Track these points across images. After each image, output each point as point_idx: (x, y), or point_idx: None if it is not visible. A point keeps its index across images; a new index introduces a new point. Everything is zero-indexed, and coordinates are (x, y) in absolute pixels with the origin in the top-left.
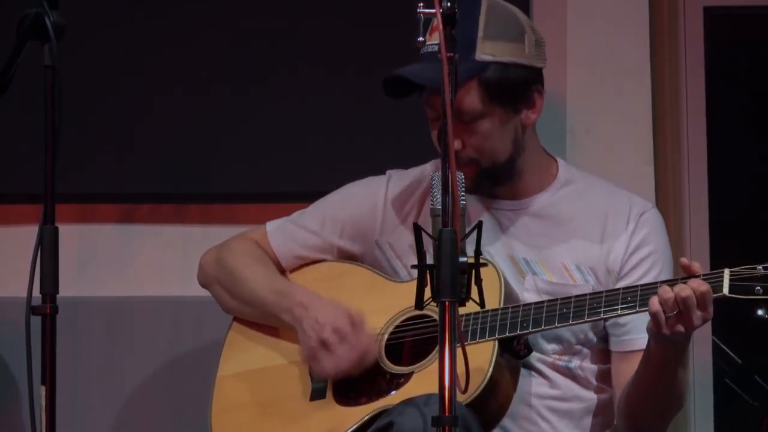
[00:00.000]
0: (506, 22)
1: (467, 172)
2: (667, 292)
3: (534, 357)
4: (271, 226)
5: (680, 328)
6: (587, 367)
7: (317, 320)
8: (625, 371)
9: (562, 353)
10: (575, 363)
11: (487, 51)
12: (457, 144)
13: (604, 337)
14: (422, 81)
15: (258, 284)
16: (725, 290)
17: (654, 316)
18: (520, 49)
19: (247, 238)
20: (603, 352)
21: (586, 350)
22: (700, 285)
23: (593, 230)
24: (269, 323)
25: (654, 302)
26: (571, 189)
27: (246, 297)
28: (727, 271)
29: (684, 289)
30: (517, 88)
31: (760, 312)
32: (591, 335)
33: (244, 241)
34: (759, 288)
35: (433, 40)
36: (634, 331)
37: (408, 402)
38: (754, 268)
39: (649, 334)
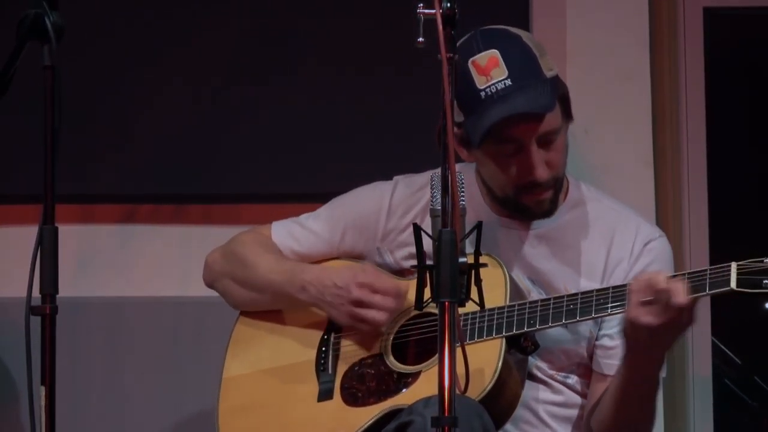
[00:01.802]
0: (534, 39)
1: (546, 198)
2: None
3: (533, 367)
4: (277, 225)
5: (650, 319)
6: (584, 381)
7: (336, 285)
8: (599, 392)
9: (559, 369)
10: (573, 378)
11: (548, 67)
12: (543, 173)
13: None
14: (537, 109)
15: (268, 268)
16: (733, 284)
17: (632, 317)
18: (550, 59)
19: (252, 231)
20: None
21: (581, 368)
22: (679, 296)
23: (597, 256)
24: (283, 306)
25: (633, 299)
26: (579, 212)
27: (257, 283)
28: (734, 265)
29: (663, 284)
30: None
31: (767, 306)
32: (585, 356)
33: (252, 233)
34: (767, 281)
35: (497, 77)
36: (616, 357)
37: (425, 401)
38: (761, 261)
39: (624, 337)
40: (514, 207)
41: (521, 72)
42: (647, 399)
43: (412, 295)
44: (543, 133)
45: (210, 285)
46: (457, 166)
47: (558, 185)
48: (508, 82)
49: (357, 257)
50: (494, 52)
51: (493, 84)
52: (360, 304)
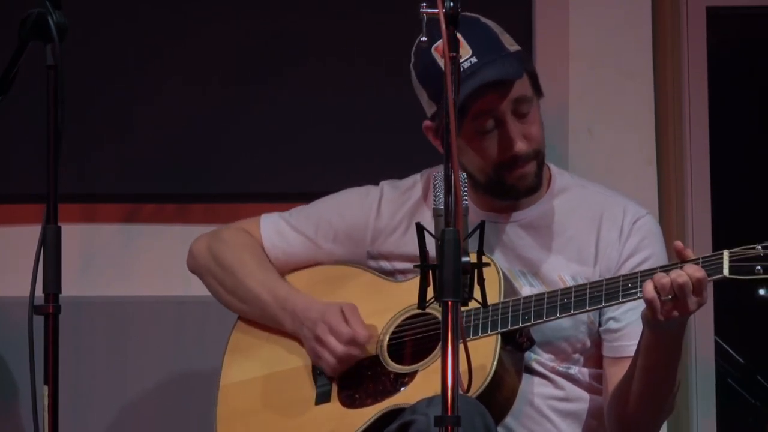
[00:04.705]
0: (490, 20)
1: (529, 171)
2: (663, 277)
3: (534, 361)
4: (265, 222)
5: (675, 313)
6: (587, 371)
7: (311, 320)
8: (615, 376)
9: (561, 360)
10: (575, 369)
11: (509, 43)
12: (522, 146)
13: (599, 344)
14: (505, 77)
15: (257, 285)
16: (725, 272)
17: (649, 302)
18: (510, 37)
19: (240, 229)
20: (600, 356)
21: (584, 358)
22: (696, 271)
23: (587, 240)
24: (268, 324)
25: (649, 289)
26: (565, 198)
27: (244, 296)
28: (726, 253)
29: (680, 275)
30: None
31: (761, 292)
32: (588, 343)
33: (236, 232)
34: (759, 268)
35: (462, 56)
36: (626, 338)
37: (428, 400)
38: (753, 248)
39: (643, 322)
40: (498, 189)
41: (485, 48)
42: (673, 368)
43: (409, 296)
44: (515, 99)
45: (192, 272)
46: (437, 167)
47: (540, 159)
48: (474, 59)
49: (346, 262)
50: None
51: (460, 63)
52: (319, 341)
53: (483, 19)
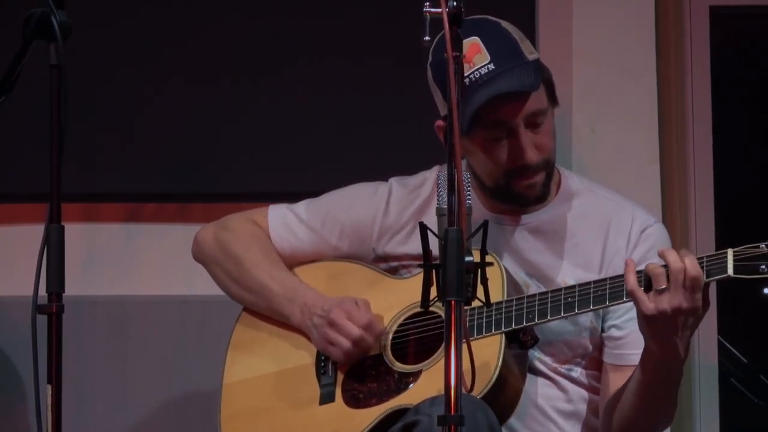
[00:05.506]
0: (512, 26)
1: (538, 181)
2: (656, 267)
3: (537, 360)
4: (273, 213)
5: (664, 305)
6: (589, 373)
7: (323, 308)
8: (614, 384)
9: (563, 362)
10: (577, 372)
11: (529, 50)
12: (533, 156)
13: (601, 348)
14: (522, 88)
15: (265, 276)
16: (730, 271)
17: (631, 293)
18: (530, 44)
19: (247, 219)
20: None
21: (585, 360)
22: (693, 268)
23: (594, 247)
24: (273, 316)
25: (630, 279)
26: (574, 203)
27: (251, 286)
28: (730, 252)
29: (677, 262)
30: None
31: (766, 291)
32: (590, 347)
33: (244, 222)
34: (764, 267)
35: (479, 62)
36: (627, 346)
37: (431, 400)
38: (758, 247)
39: (640, 331)
40: (506, 195)
41: (503, 56)
42: (673, 388)
43: (411, 293)
44: (529, 113)
45: (197, 260)
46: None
47: (549, 169)
48: (491, 66)
49: (349, 257)
50: (475, 39)
51: (477, 70)
52: (334, 325)
53: (504, 24)
